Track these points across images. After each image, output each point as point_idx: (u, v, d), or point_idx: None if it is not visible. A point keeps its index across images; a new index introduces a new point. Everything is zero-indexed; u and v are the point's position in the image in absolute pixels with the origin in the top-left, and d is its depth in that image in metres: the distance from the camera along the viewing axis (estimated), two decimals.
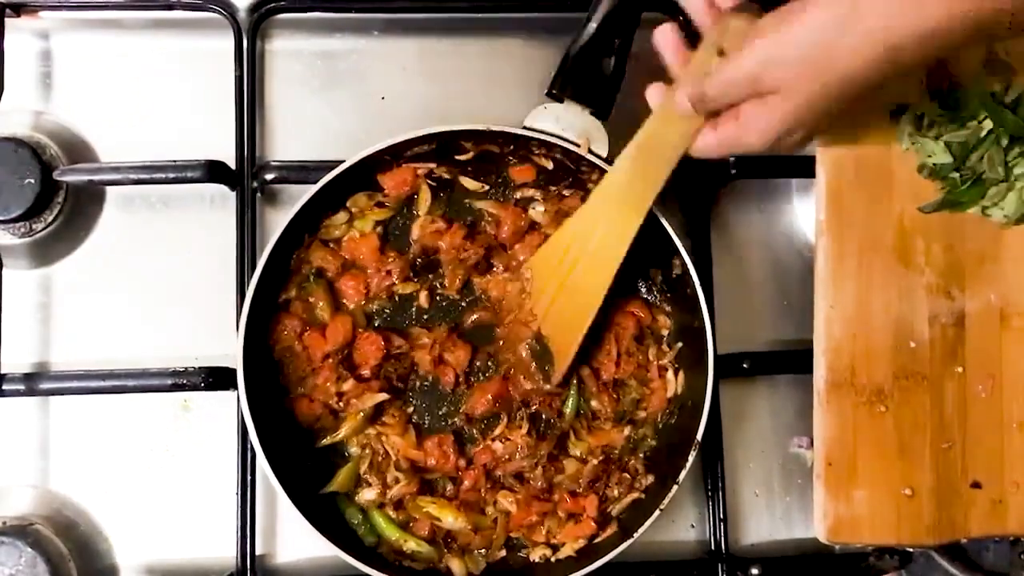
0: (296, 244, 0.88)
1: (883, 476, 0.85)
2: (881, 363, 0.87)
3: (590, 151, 0.86)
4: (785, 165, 0.97)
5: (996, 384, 0.88)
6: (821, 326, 0.87)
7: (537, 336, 0.89)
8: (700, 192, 0.95)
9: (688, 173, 0.94)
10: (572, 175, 0.90)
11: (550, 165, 0.90)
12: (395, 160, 0.89)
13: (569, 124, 0.86)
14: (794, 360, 0.93)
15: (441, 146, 0.88)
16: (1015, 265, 0.89)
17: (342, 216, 0.90)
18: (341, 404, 0.88)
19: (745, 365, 0.92)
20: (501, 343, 0.91)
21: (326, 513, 0.87)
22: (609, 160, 0.85)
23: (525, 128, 0.87)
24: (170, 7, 0.95)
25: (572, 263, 0.86)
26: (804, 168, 0.93)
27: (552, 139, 0.86)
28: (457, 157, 0.90)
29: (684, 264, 0.86)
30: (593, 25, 0.84)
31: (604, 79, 0.86)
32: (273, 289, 0.88)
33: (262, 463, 0.81)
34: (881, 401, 0.86)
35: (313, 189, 0.85)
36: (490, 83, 0.97)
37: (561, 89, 0.86)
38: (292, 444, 0.87)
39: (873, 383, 0.86)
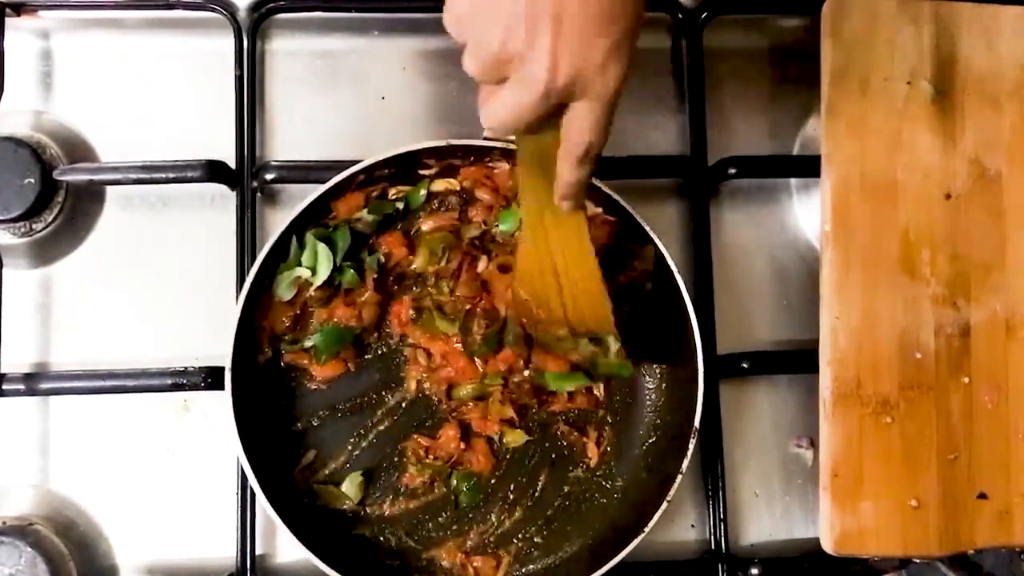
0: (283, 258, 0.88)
1: (889, 487, 0.85)
2: (887, 374, 0.87)
3: None
4: (785, 165, 0.97)
5: (1002, 395, 0.88)
6: (827, 337, 0.86)
7: (572, 331, 0.84)
8: (700, 192, 0.95)
9: (688, 173, 0.95)
10: None
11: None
12: (356, 185, 0.87)
13: None
14: (794, 360, 0.93)
15: (403, 167, 0.87)
16: (1021, 276, 0.90)
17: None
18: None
19: (745, 365, 0.92)
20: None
21: (321, 517, 0.87)
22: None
23: (487, 138, 0.86)
24: (170, 7, 0.95)
25: (552, 268, 0.81)
26: (804, 168, 0.93)
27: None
28: (422, 173, 0.89)
29: (663, 258, 0.86)
30: None
31: None
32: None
33: (248, 471, 0.82)
34: (887, 412, 0.86)
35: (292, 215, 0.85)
36: None
37: None
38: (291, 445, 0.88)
39: (879, 394, 0.86)
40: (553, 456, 0.91)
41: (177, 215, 0.93)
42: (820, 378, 0.87)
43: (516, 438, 0.89)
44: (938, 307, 0.88)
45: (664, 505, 0.84)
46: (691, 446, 0.84)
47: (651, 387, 0.92)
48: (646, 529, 0.83)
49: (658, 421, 0.91)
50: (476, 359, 0.88)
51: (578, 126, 0.66)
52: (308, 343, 0.87)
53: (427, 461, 0.88)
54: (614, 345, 0.83)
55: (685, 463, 0.84)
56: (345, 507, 0.88)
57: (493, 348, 0.88)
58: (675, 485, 0.84)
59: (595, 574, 0.83)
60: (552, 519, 0.90)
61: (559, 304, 0.82)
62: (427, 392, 0.89)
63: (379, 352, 0.90)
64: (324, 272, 0.86)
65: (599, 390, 0.91)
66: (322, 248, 0.86)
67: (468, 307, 0.88)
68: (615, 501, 0.90)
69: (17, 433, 0.90)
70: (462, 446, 0.88)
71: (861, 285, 0.87)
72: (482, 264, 0.90)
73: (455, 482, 0.88)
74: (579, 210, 0.76)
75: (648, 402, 0.92)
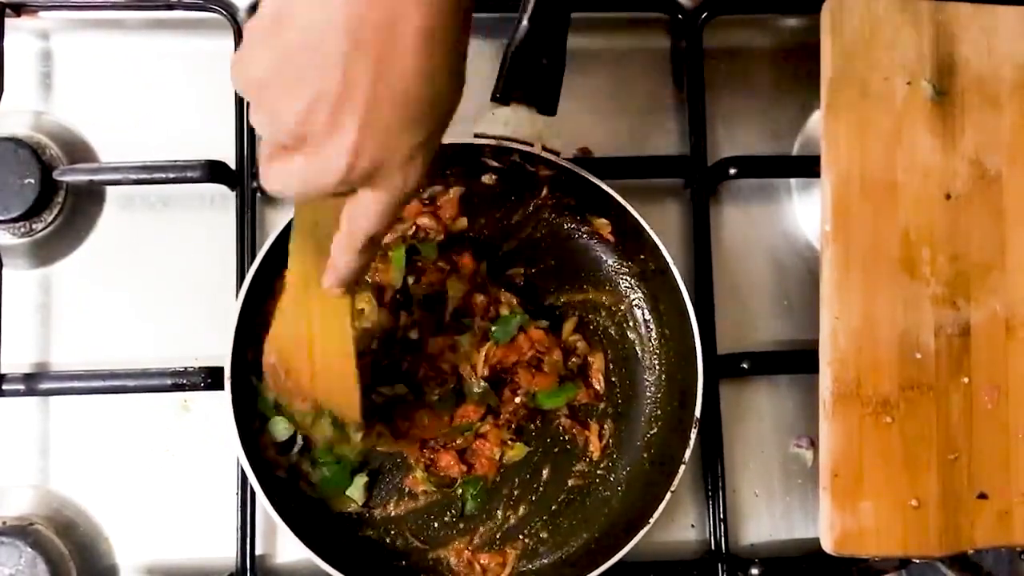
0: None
1: (889, 487, 0.85)
2: (887, 374, 0.86)
3: (544, 149, 0.86)
4: (785, 165, 0.97)
5: (1002, 394, 0.88)
6: (827, 337, 0.86)
7: (317, 407, 0.81)
8: (700, 192, 0.95)
9: (688, 173, 0.95)
10: (524, 179, 0.90)
11: (492, 181, 0.89)
12: None
13: (519, 126, 0.86)
14: (794, 360, 0.93)
15: None
16: (1021, 276, 0.89)
17: None
18: None
19: (745, 365, 0.92)
20: None
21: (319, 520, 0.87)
22: (562, 155, 0.86)
23: (477, 136, 0.86)
24: (170, 7, 0.95)
25: (308, 337, 0.76)
26: (804, 168, 0.93)
27: (505, 143, 0.85)
28: None
29: (663, 257, 0.87)
30: (526, 23, 0.80)
31: (546, 76, 0.82)
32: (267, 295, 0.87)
33: (248, 472, 0.82)
34: (887, 412, 0.86)
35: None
36: (487, 82, 0.97)
37: (505, 92, 0.82)
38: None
39: (879, 394, 0.86)
40: (556, 451, 0.91)
41: (177, 215, 0.93)
42: (820, 378, 0.87)
43: (517, 452, 0.89)
44: (938, 307, 0.88)
45: (668, 496, 0.84)
46: (693, 435, 0.84)
47: (650, 380, 0.92)
48: (651, 520, 0.83)
49: (659, 412, 0.91)
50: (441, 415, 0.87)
51: (364, 214, 0.61)
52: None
53: (433, 470, 0.88)
54: (355, 436, 0.82)
55: (687, 453, 0.84)
56: (350, 509, 0.88)
57: (452, 407, 0.86)
58: (679, 475, 0.84)
59: (601, 567, 0.83)
60: (557, 513, 0.90)
61: (308, 375, 0.77)
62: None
63: None
64: None
65: (599, 383, 0.91)
66: None
67: (405, 365, 0.86)
68: (619, 494, 0.90)
69: (17, 433, 0.90)
70: (463, 467, 0.88)
71: (861, 285, 0.87)
72: (402, 319, 0.87)
73: (460, 490, 0.88)
74: (347, 296, 0.71)
75: (648, 394, 0.92)
